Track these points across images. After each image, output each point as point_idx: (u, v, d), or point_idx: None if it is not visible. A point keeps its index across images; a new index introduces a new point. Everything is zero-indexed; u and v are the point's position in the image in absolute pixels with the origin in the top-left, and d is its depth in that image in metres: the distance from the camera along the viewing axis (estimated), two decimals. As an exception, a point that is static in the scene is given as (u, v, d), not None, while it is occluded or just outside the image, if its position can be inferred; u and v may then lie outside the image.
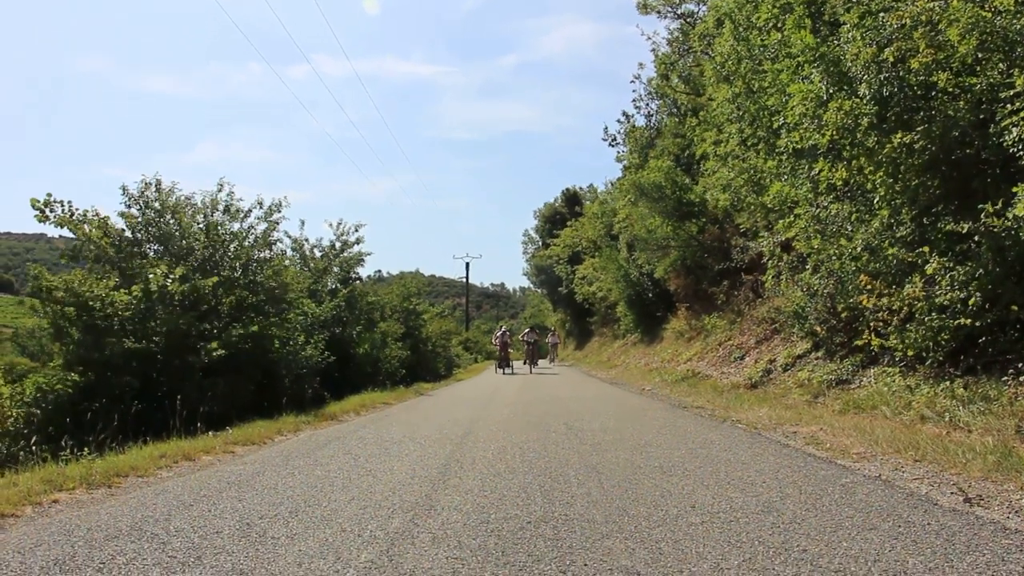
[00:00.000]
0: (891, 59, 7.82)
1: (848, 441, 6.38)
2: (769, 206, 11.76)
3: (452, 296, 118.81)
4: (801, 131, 9.36)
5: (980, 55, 7.19)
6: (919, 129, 7.58)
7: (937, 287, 7.39)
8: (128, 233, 13.75)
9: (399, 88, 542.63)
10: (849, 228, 9.15)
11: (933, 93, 7.63)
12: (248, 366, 13.41)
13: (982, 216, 6.73)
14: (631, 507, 4.23)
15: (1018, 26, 6.86)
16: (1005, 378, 6.84)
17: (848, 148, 8.62)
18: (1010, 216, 6.40)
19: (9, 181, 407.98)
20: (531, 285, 73.79)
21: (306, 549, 3.53)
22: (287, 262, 19.38)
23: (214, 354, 12.22)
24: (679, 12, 24.49)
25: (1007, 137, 6.58)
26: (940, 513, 3.88)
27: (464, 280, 70.89)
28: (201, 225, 14.86)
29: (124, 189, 14.11)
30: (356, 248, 24.02)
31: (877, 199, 8.41)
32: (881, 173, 8.17)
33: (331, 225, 24.08)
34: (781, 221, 10.99)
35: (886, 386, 8.41)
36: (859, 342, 8.97)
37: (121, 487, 5.54)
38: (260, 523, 4.08)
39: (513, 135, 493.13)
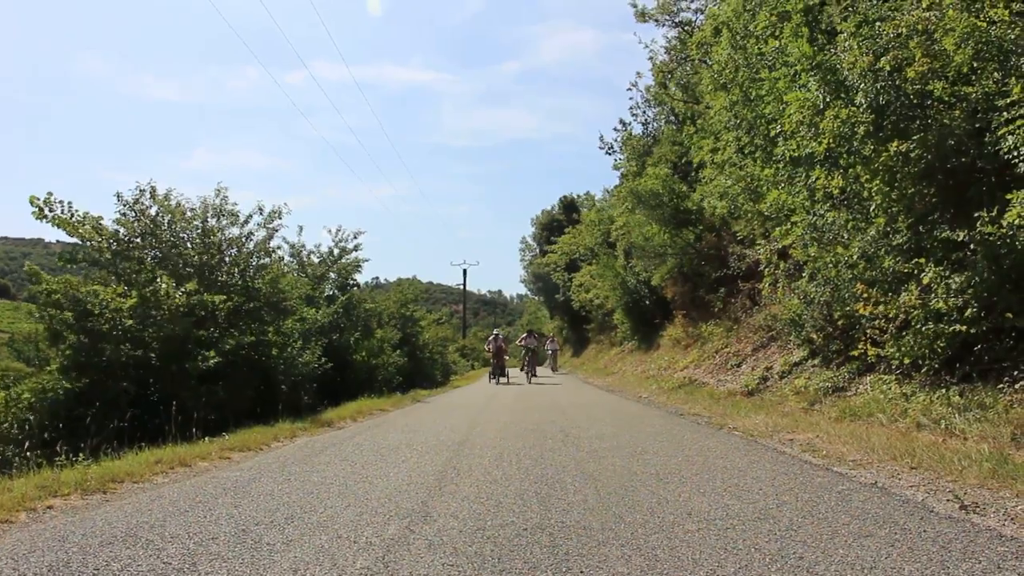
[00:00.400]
0: (887, 68, 7.86)
1: (844, 448, 6.38)
2: (766, 214, 11.79)
3: (449, 303, 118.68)
4: (798, 139, 9.39)
5: (976, 64, 7.22)
6: (915, 137, 7.61)
7: (933, 295, 7.40)
8: (124, 239, 13.72)
9: (398, 94, 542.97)
10: (846, 236, 9.17)
11: (929, 102, 7.67)
12: (245, 372, 13.39)
13: (978, 224, 6.76)
14: (627, 514, 4.23)
15: (1013, 36, 6.90)
16: (1001, 385, 6.86)
17: (845, 156, 8.65)
18: (1005, 224, 6.42)
19: (4, 185, 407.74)
20: (528, 292, 74.00)
21: (302, 556, 3.53)
22: (284, 268, 19.37)
23: (211, 361, 12.19)
24: (677, 20, 24.55)
25: (1002, 145, 6.61)
26: (936, 520, 3.88)
27: (461, 287, 70.91)
28: (197, 231, 14.83)
29: (119, 196, 14.09)
30: (354, 255, 24.01)
31: (873, 207, 8.43)
32: (877, 181, 8.19)
33: (330, 231, 24.08)
34: (778, 229, 11.00)
35: (882, 393, 8.43)
36: (855, 350, 8.98)
37: (116, 493, 5.53)
38: (256, 529, 4.07)
39: (512, 142, 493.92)
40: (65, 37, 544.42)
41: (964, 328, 7.04)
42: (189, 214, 14.87)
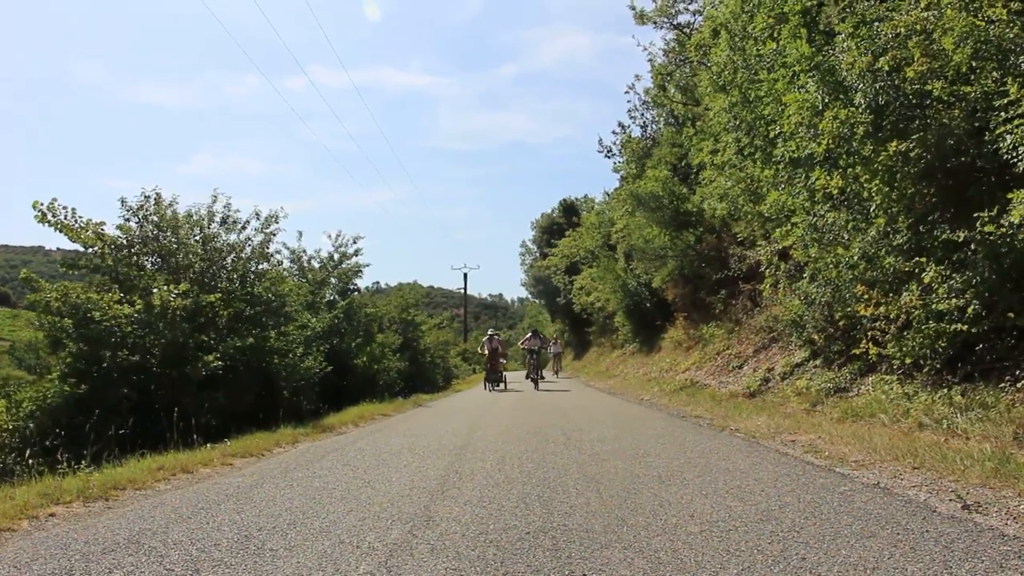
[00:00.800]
0: (886, 68, 7.87)
1: (846, 449, 6.38)
2: (766, 215, 11.79)
3: (450, 307, 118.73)
4: (797, 140, 9.40)
5: (974, 64, 7.23)
6: (914, 137, 7.61)
7: (934, 295, 7.40)
8: (126, 245, 13.73)
9: (397, 98, 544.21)
10: (846, 236, 9.18)
11: (928, 102, 7.67)
12: (246, 378, 13.40)
13: (978, 224, 6.76)
14: (630, 517, 4.22)
15: (1011, 35, 6.90)
16: (1002, 385, 6.85)
17: (844, 157, 8.65)
18: (1005, 223, 6.42)
19: (3, 193, 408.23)
20: (529, 296, 73.97)
21: (304, 561, 3.53)
22: (285, 273, 19.38)
23: (211, 366, 12.19)
24: (675, 23, 24.61)
25: (1002, 145, 6.61)
26: (938, 520, 3.87)
27: (462, 291, 70.90)
28: (198, 238, 14.85)
29: (123, 201, 14.11)
30: (354, 259, 24.02)
31: (873, 207, 8.43)
32: (877, 181, 8.19)
33: (330, 237, 24.09)
34: (778, 230, 11.00)
35: (884, 394, 8.42)
36: (857, 351, 8.98)
37: (118, 500, 5.53)
38: (258, 535, 4.07)
39: (511, 145, 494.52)
40: (65, 43, 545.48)
41: (965, 328, 7.03)
42: (194, 219, 14.90)
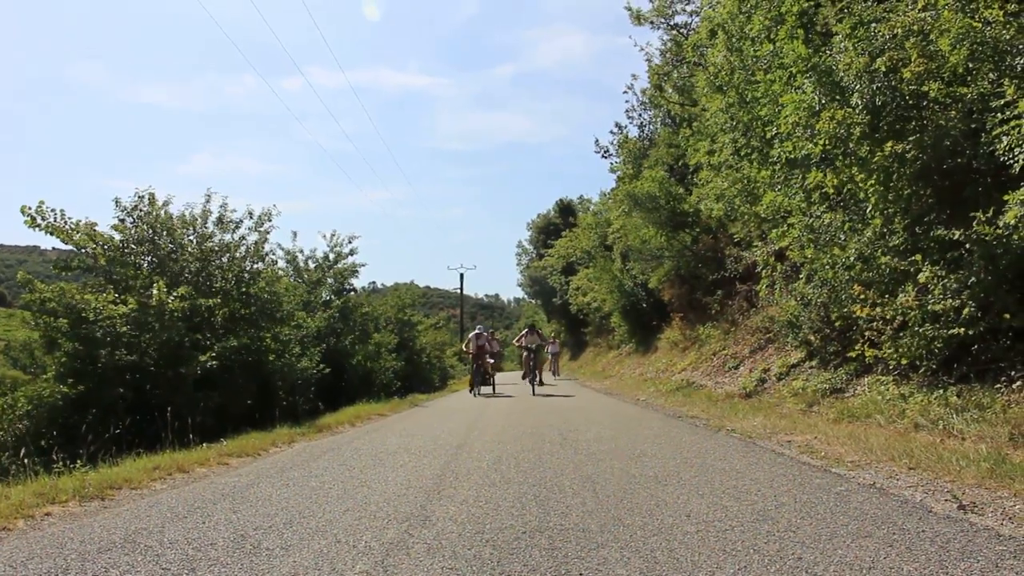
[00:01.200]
0: (883, 69, 7.88)
1: (842, 449, 6.38)
2: (763, 216, 11.81)
3: (447, 307, 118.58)
4: (794, 141, 9.41)
5: (971, 65, 7.25)
6: (911, 138, 7.63)
7: (930, 296, 7.42)
8: (120, 246, 13.72)
9: (394, 99, 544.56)
10: (842, 237, 9.19)
11: (925, 103, 7.69)
12: (242, 378, 13.39)
13: (974, 224, 6.77)
14: (626, 517, 4.22)
15: (1008, 36, 6.92)
16: (998, 386, 6.87)
17: (841, 157, 8.66)
18: (1001, 224, 6.43)
19: (1, 192, 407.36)
20: (526, 296, 74.00)
21: (301, 560, 3.52)
22: (280, 273, 19.37)
23: (206, 365, 12.18)
24: (672, 23, 24.63)
25: (998, 146, 6.62)
26: (934, 520, 3.88)
27: (459, 291, 70.86)
28: (192, 238, 14.84)
29: (117, 202, 14.10)
30: (350, 259, 24.00)
31: (870, 208, 8.45)
32: (873, 182, 8.21)
33: (325, 236, 24.07)
34: (775, 230, 11.02)
35: (880, 395, 8.43)
36: (853, 353, 8.98)
37: (114, 499, 5.51)
38: (255, 534, 4.06)
39: (508, 146, 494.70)
40: (65, 44, 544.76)
41: (961, 329, 7.05)
42: (188, 219, 14.89)
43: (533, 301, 68.86)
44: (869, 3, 9.15)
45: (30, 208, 12.33)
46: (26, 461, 7.83)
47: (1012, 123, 6.46)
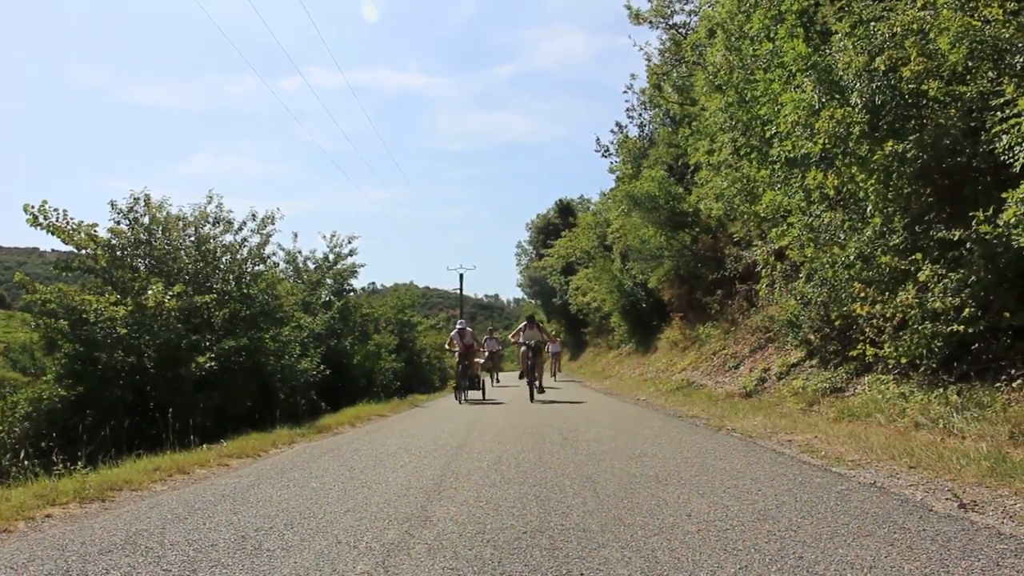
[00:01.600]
0: (882, 68, 7.88)
1: (843, 449, 6.38)
2: (762, 215, 11.81)
3: (446, 308, 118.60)
4: (793, 140, 9.41)
5: (970, 63, 7.25)
6: (911, 137, 7.63)
7: (930, 294, 7.41)
8: (118, 247, 13.73)
9: (393, 99, 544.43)
10: (842, 236, 9.19)
11: (924, 101, 7.68)
12: (242, 379, 13.39)
13: (973, 223, 6.77)
14: (627, 516, 4.22)
15: (1007, 35, 6.91)
16: (998, 384, 6.87)
17: (840, 157, 8.66)
18: (1001, 222, 6.43)
19: (1, 193, 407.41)
20: (525, 296, 73.94)
21: (301, 561, 3.52)
22: (280, 274, 19.39)
23: (205, 366, 12.18)
24: (671, 23, 24.63)
25: (997, 144, 6.62)
26: (935, 519, 3.88)
27: (458, 292, 70.83)
28: (192, 238, 14.85)
29: (113, 204, 14.11)
30: (350, 260, 24.03)
31: (869, 207, 8.44)
32: (873, 181, 8.20)
33: (325, 237, 24.09)
34: (774, 230, 11.02)
35: (880, 394, 8.43)
36: (853, 352, 8.98)
37: (115, 501, 5.51)
38: (255, 535, 4.06)
39: (507, 146, 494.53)
40: (64, 44, 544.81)
41: (961, 327, 7.05)
42: (186, 221, 14.90)
43: (533, 301, 68.80)
44: (868, 2, 9.15)
45: (33, 207, 12.34)
46: (26, 463, 7.83)
47: (1012, 121, 6.46)
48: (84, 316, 11.55)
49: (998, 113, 6.69)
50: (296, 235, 33.28)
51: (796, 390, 10.62)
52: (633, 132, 30.19)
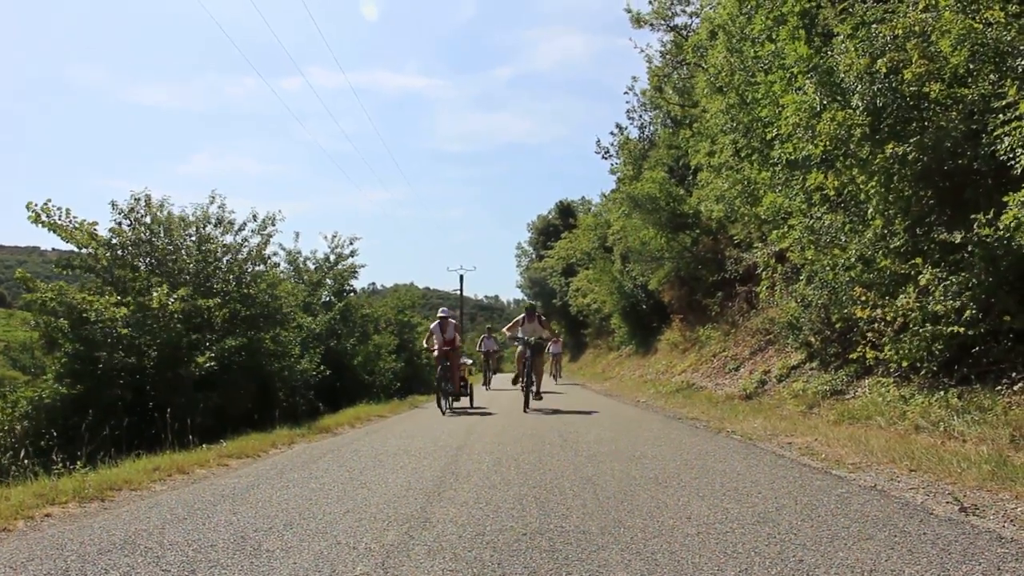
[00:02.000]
0: (884, 70, 7.87)
1: (843, 451, 6.38)
2: (763, 217, 11.81)
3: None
4: (794, 142, 9.41)
5: (972, 66, 7.25)
6: (912, 140, 7.62)
7: (931, 297, 7.40)
8: (119, 247, 13.73)
9: (393, 100, 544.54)
10: (843, 239, 9.18)
11: (925, 104, 7.68)
12: (241, 379, 13.39)
13: (975, 226, 6.76)
14: (627, 519, 4.21)
15: (1009, 37, 6.91)
16: (999, 388, 6.86)
17: (841, 159, 8.66)
18: (1002, 225, 6.42)
19: (1, 192, 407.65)
20: (525, 297, 73.78)
21: (301, 562, 3.51)
22: (281, 274, 19.39)
23: (205, 366, 12.18)
24: (672, 25, 24.61)
25: (999, 147, 6.62)
26: (936, 523, 3.87)
27: (458, 292, 70.82)
28: (192, 239, 14.86)
29: (114, 205, 14.11)
30: (350, 260, 24.03)
31: (870, 210, 8.44)
32: (874, 183, 8.20)
33: (326, 238, 24.12)
34: (775, 232, 11.02)
35: (880, 396, 8.43)
36: (853, 355, 8.96)
37: (114, 501, 5.51)
38: (255, 536, 4.06)
39: (507, 147, 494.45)
40: (65, 44, 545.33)
41: (962, 330, 7.04)
42: (187, 221, 14.91)
43: (534, 303, 68.83)
44: (870, 4, 9.14)
45: (35, 205, 12.36)
46: (26, 462, 7.83)
47: (1013, 124, 6.45)
48: (85, 315, 11.56)
49: (999, 116, 6.68)
50: (298, 235, 33.34)
51: (796, 392, 10.62)
52: (634, 134, 30.21)
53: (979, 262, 6.92)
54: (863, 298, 8.41)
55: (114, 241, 13.65)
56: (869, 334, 8.58)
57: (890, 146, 7.76)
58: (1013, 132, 6.44)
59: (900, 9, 8.31)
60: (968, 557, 3.26)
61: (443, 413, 13.60)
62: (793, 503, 4.49)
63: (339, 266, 23.77)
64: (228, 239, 15.49)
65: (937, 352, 7.58)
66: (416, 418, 13.31)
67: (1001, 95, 6.76)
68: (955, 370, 7.65)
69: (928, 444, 6.16)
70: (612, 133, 31.87)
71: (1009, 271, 6.82)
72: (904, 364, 8.05)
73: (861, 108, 8.21)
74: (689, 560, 3.36)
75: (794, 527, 3.87)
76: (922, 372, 7.96)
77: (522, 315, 14.98)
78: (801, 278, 10.96)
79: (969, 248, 7.01)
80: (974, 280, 6.97)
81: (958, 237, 7.04)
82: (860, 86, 8.22)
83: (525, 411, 13.05)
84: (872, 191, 8.28)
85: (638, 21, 24.76)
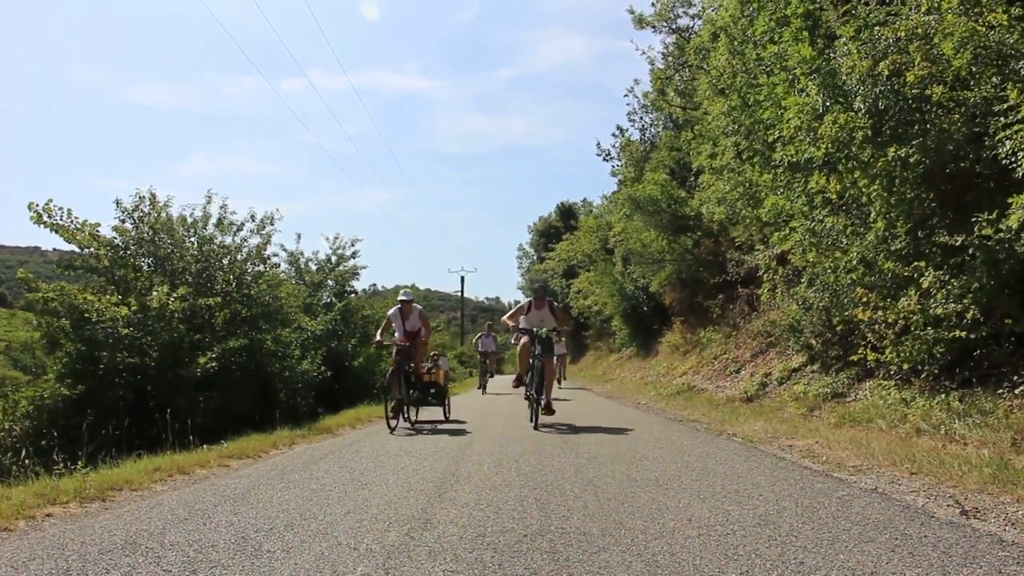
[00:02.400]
0: (886, 72, 7.86)
1: (844, 454, 6.38)
2: (764, 219, 11.78)
3: (447, 310, 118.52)
4: (796, 144, 9.39)
5: (974, 69, 7.24)
6: (914, 142, 7.61)
7: (932, 300, 7.39)
8: (121, 246, 13.75)
9: (393, 101, 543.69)
10: (844, 241, 9.17)
11: (928, 106, 7.67)
12: (243, 380, 13.39)
13: (976, 229, 6.75)
14: (627, 520, 4.21)
15: (1011, 40, 6.91)
16: (1000, 391, 6.85)
17: (843, 161, 8.65)
18: (1004, 228, 6.42)
19: (1, 192, 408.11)
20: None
21: (302, 563, 3.51)
22: (282, 275, 19.41)
23: (206, 367, 12.20)
24: (674, 27, 24.61)
25: (1001, 150, 6.61)
26: (937, 525, 3.87)
27: (459, 294, 70.88)
28: (193, 239, 14.89)
29: (118, 203, 14.13)
30: (352, 262, 24.05)
31: (872, 212, 8.43)
32: (876, 186, 8.19)
33: (327, 239, 24.15)
34: (776, 234, 11.00)
35: (882, 399, 8.42)
36: (854, 357, 8.95)
37: (115, 501, 5.51)
38: (255, 537, 4.06)
39: (508, 148, 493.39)
40: (64, 44, 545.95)
41: (964, 333, 7.03)
42: (189, 221, 14.94)
43: (544, 282, 68.86)
44: (873, 6, 9.14)
45: (37, 205, 12.38)
46: (27, 462, 7.84)
47: (1015, 127, 6.44)
48: (86, 315, 11.57)
49: (1002, 119, 6.68)
50: (299, 236, 33.33)
51: (797, 395, 10.60)
52: (635, 136, 30.17)
53: (981, 265, 6.91)
54: (864, 300, 8.39)
55: (117, 241, 13.68)
56: (870, 337, 8.56)
57: (892, 149, 7.75)
58: (1015, 135, 6.43)
59: (903, 12, 8.31)
60: (969, 560, 3.26)
61: (391, 430, 10.15)
62: (794, 505, 4.49)
63: (340, 267, 23.79)
64: (228, 240, 15.53)
65: (938, 355, 7.57)
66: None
67: (1003, 98, 6.75)
68: (956, 373, 7.64)
69: (929, 447, 6.16)
70: (613, 135, 31.82)
71: (1011, 274, 6.81)
72: (905, 367, 8.04)
73: (863, 110, 8.20)
74: (690, 562, 3.36)
75: (795, 529, 3.87)
76: (923, 375, 7.95)
77: (527, 300, 11.66)
78: (802, 281, 10.95)
79: (971, 251, 7.00)
80: (976, 283, 6.95)
81: (960, 240, 7.02)
82: (862, 88, 8.21)
83: (534, 424, 10.14)
84: (874, 194, 8.27)
85: (640, 22, 24.77)
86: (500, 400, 18.13)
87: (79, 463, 7.59)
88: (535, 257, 61.65)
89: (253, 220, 16.01)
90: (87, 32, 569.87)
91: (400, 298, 11.91)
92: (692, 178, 19.58)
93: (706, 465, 6.32)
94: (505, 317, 12.14)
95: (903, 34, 7.80)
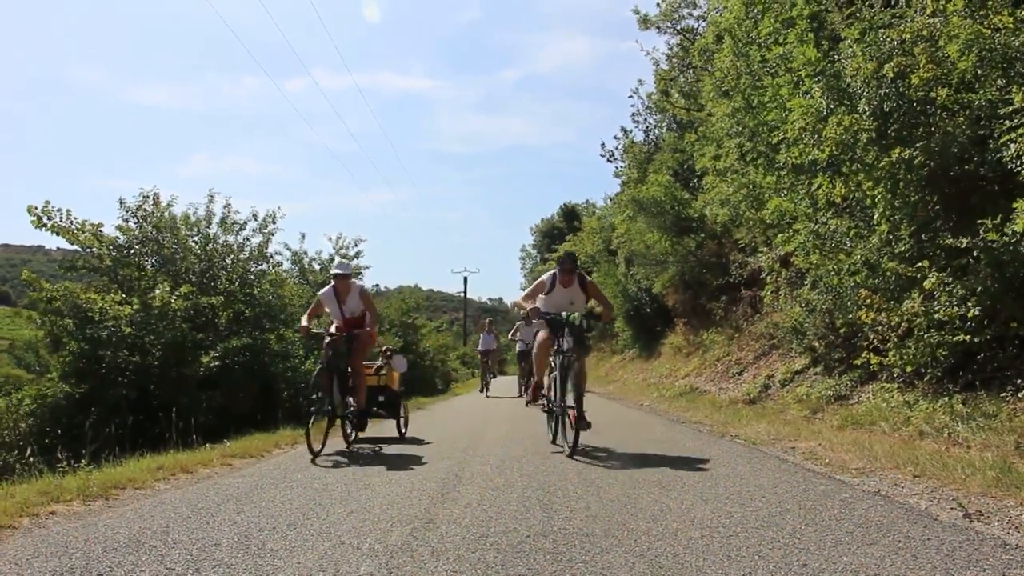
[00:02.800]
0: (891, 75, 7.85)
1: (847, 456, 6.37)
2: (768, 221, 11.79)
3: (450, 311, 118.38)
4: (800, 146, 9.39)
5: (979, 71, 7.23)
6: (918, 145, 7.60)
7: (936, 303, 7.38)
8: (124, 246, 13.79)
9: (394, 101, 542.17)
10: (848, 243, 9.16)
11: (932, 109, 7.66)
12: (246, 379, 13.40)
13: (981, 231, 6.74)
14: (630, 521, 4.21)
15: (1017, 43, 6.90)
16: (1004, 394, 6.84)
17: (847, 163, 8.64)
18: (1008, 231, 6.41)
19: (4, 192, 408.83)
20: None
21: (305, 562, 3.52)
22: (285, 275, 19.42)
23: (209, 366, 12.22)
24: (679, 28, 24.62)
25: (1006, 153, 6.60)
26: (940, 528, 3.87)
27: (462, 294, 70.85)
28: (196, 238, 14.91)
29: (122, 202, 14.17)
30: (355, 262, 24.05)
31: (876, 215, 8.42)
32: (880, 188, 8.18)
33: (331, 239, 24.16)
34: (780, 236, 11.00)
35: (884, 402, 8.41)
36: (857, 360, 8.94)
37: (119, 499, 5.52)
38: (258, 536, 4.06)
39: (511, 149, 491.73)
40: (64, 44, 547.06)
41: (967, 336, 7.02)
42: (192, 220, 14.97)
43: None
44: (878, 8, 9.13)
45: (36, 207, 12.41)
46: (31, 459, 7.85)
47: (1020, 130, 6.44)
48: (89, 315, 11.60)
49: (1006, 122, 6.67)
50: (303, 236, 33.36)
51: (800, 397, 10.59)
52: (638, 137, 30.19)
53: (985, 268, 6.90)
54: (868, 303, 8.37)
55: (121, 240, 13.72)
56: (873, 339, 8.56)
57: (896, 151, 7.74)
58: (1020, 138, 6.43)
59: (908, 14, 8.31)
60: (972, 563, 3.26)
61: (313, 457, 7.46)
62: (797, 507, 4.49)
63: (343, 268, 23.79)
64: (230, 239, 15.55)
65: (942, 358, 7.56)
66: (419, 420, 13.30)
67: (1008, 101, 6.74)
68: (960, 376, 7.63)
69: (932, 450, 6.15)
70: (616, 137, 31.96)
71: (1015, 277, 6.80)
72: (908, 370, 8.03)
73: (868, 113, 8.19)
74: (693, 563, 3.36)
75: (798, 531, 3.87)
76: (926, 378, 7.94)
77: (550, 273, 8.49)
78: (806, 283, 10.94)
79: (975, 254, 6.99)
80: (980, 286, 6.95)
81: (964, 242, 7.01)
82: (867, 91, 8.20)
83: (570, 454, 7.11)
84: (878, 196, 8.26)
85: (645, 23, 24.78)
86: (503, 402, 18.21)
87: (82, 461, 7.60)
88: (538, 258, 61.67)
89: (256, 219, 16.05)
90: (87, 32, 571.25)
91: (334, 271, 9.07)
92: (696, 180, 19.57)
93: (709, 467, 6.32)
94: (520, 298, 8.68)
95: (908, 36, 7.80)
